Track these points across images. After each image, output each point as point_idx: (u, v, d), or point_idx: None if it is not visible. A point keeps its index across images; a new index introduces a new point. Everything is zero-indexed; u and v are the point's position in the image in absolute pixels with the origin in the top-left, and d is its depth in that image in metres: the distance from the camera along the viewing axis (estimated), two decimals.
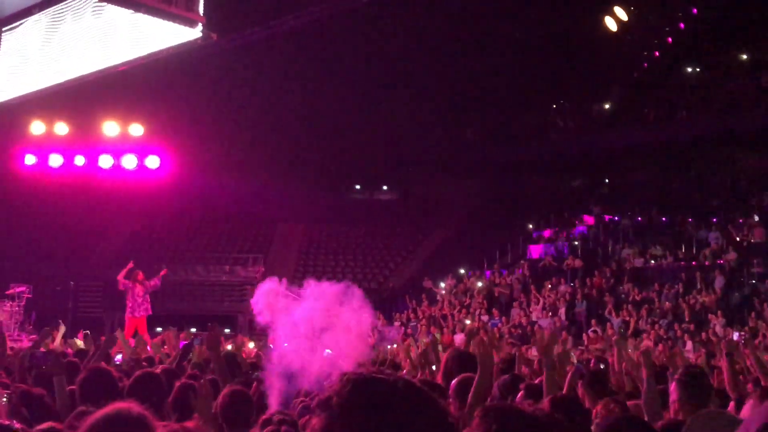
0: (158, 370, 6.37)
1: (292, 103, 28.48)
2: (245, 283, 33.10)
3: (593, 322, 23.37)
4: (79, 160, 25.66)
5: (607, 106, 32.31)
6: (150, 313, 20.48)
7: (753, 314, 22.19)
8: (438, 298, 29.23)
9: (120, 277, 20.34)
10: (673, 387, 4.79)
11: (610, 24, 27.00)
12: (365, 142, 31.99)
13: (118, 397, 5.05)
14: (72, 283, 26.73)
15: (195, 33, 7.08)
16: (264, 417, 4.78)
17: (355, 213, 36.71)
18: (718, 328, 21.65)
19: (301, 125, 30.30)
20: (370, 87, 28.53)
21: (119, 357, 10.72)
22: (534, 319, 24.87)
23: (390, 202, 38.91)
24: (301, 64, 26.06)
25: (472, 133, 32.44)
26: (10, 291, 21.87)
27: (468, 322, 24.48)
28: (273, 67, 26.01)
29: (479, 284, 28.75)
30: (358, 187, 39.37)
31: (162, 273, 21.40)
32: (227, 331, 27.91)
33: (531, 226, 33.39)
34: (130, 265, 20.54)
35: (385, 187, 39.43)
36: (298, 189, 34.89)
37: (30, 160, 25.46)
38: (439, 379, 5.72)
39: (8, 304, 21.50)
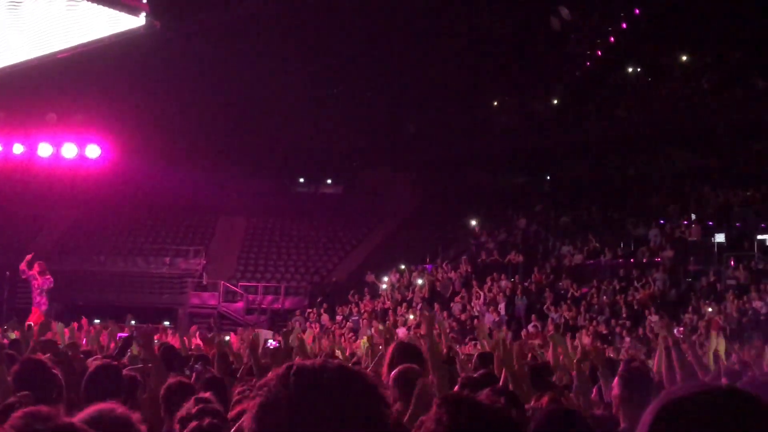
0: (97, 362, 6.27)
1: (236, 95, 28.25)
2: (186, 276, 32.85)
3: (533, 317, 23.69)
4: (18, 149, 25.10)
5: (549, 104, 32.71)
6: (44, 308, 19.63)
7: (690, 309, 22.71)
8: (380, 292, 29.34)
9: (22, 266, 19.72)
10: (615, 382, 4.88)
11: (554, 22, 27.35)
12: (310, 135, 31.91)
13: (55, 388, 5.03)
14: (7, 273, 26.17)
15: (138, 21, 7.00)
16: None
17: (299, 206, 36.63)
18: (654, 325, 22.13)
19: (245, 117, 30.08)
20: (315, 79, 28.47)
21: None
22: (475, 313, 25.11)
23: (334, 195, 38.91)
24: (245, 55, 25.86)
25: (414, 128, 32.57)
26: None
27: (411, 317, 24.62)
28: (217, 56, 25.79)
29: (420, 281, 28.91)
30: (302, 180, 39.27)
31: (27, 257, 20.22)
32: (167, 323, 27.64)
33: (473, 221, 33.68)
34: (29, 257, 19.89)
35: (329, 181, 39.41)
36: (241, 181, 34.68)
37: None
38: (384, 371, 5.78)
39: None
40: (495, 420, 2.11)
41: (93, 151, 25.21)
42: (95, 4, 6.93)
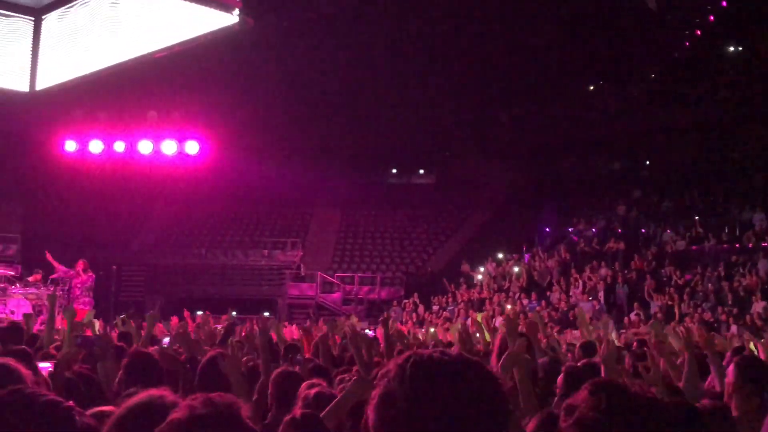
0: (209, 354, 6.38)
1: (329, 88, 28.44)
2: (284, 267, 33.39)
3: (635, 305, 23.16)
4: (119, 146, 25.87)
5: (646, 87, 31.80)
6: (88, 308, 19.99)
7: None
8: (476, 282, 29.15)
9: (58, 266, 20.20)
10: (729, 370, 4.72)
11: (651, 2, 26.54)
12: (401, 127, 31.90)
13: (161, 381, 5.14)
14: (114, 267, 27.04)
15: (232, 18, 7.05)
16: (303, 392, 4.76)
17: (392, 197, 36.72)
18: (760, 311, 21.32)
19: (337, 110, 30.27)
20: (406, 70, 28.40)
21: (166, 340, 10.80)
22: (573, 302, 24.69)
23: (427, 186, 38.83)
24: (337, 48, 26.00)
25: (507, 115, 32.14)
26: (54, 276, 22.18)
27: (509, 306, 24.37)
28: (310, 51, 25.98)
29: (516, 269, 28.59)
30: (394, 171, 39.33)
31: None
32: (267, 314, 28.14)
33: (571, 209, 33.08)
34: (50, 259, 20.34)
35: (421, 171, 39.35)
36: (334, 174, 34.97)
37: (71, 146, 25.72)
38: (493, 361, 5.72)
39: (53, 289, 21.80)
40: (649, 406, 2.08)
41: (192, 147, 25.80)
42: (190, 3, 7.01)
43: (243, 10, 7.11)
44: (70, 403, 2.08)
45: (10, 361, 3.19)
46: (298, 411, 4.13)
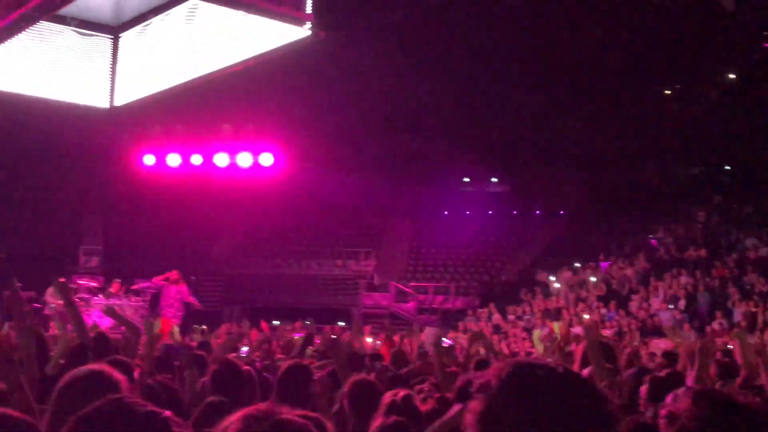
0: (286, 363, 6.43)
1: (401, 98, 28.48)
2: (357, 277, 33.56)
3: (718, 314, 22.55)
4: (196, 159, 26.34)
5: (724, 89, 30.96)
6: (179, 319, 20.35)
7: None
8: (552, 290, 28.77)
9: (157, 279, 20.67)
10: None
11: (727, 3, 25.87)
12: (473, 135, 31.74)
13: (247, 388, 5.24)
14: (193, 278, 27.57)
15: (304, 32, 7.11)
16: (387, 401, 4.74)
17: (464, 206, 36.56)
18: None
19: (409, 119, 30.29)
20: (476, 79, 28.26)
21: (245, 349, 10.96)
22: (653, 311, 24.16)
23: (500, 194, 38.55)
24: (408, 58, 26.02)
25: (581, 121, 31.61)
26: (135, 286, 22.71)
27: (586, 316, 23.97)
28: (381, 61, 26.07)
29: (593, 278, 28.11)
30: (466, 179, 39.14)
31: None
32: (342, 323, 28.27)
33: (649, 216, 32.41)
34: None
35: (494, 179, 39.08)
36: (407, 183, 34.98)
37: (149, 160, 26.29)
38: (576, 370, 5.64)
39: (133, 299, 22.32)
40: (752, 415, 2.02)
41: (266, 159, 26.10)
42: (262, 18, 7.10)
43: (314, 23, 7.17)
44: (168, 413, 2.10)
45: (105, 368, 3.24)
46: (389, 418, 4.11)
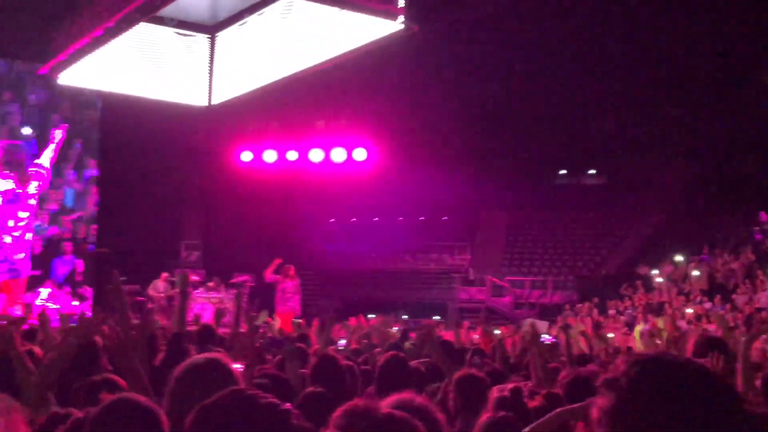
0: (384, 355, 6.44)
1: (494, 91, 28.21)
2: (452, 271, 33.46)
3: None
4: (292, 155, 26.73)
5: None
6: (298, 313, 20.69)
7: None
8: (654, 285, 28.03)
9: (267, 272, 20.97)
10: None
11: None
12: (569, 127, 31.19)
13: (346, 381, 5.32)
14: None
15: (396, 26, 7.09)
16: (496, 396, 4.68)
17: (560, 199, 35.98)
18: None
19: (503, 112, 29.99)
20: (571, 69, 27.76)
21: (342, 342, 11.03)
22: (760, 305, 23.29)
23: (597, 186, 37.80)
24: (501, 51, 25.74)
25: (680, 111, 30.61)
26: (234, 280, 23.18)
27: (689, 310, 23.29)
28: (474, 55, 25.88)
29: (696, 272, 27.25)
30: (562, 172, 38.52)
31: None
32: (437, 318, 28.24)
33: (754, 207, 31.23)
34: (278, 260, 21.12)
35: (591, 171, 38.33)
36: (501, 176, 34.62)
37: (246, 156, 26.82)
38: None
39: (233, 293, 22.78)
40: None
41: (360, 154, 26.27)
42: (355, 13, 7.10)
43: (407, 16, 7.13)
44: (288, 405, 2.12)
45: (222, 357, 3.29)
46: (498, 413, 4.07)
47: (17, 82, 21.71)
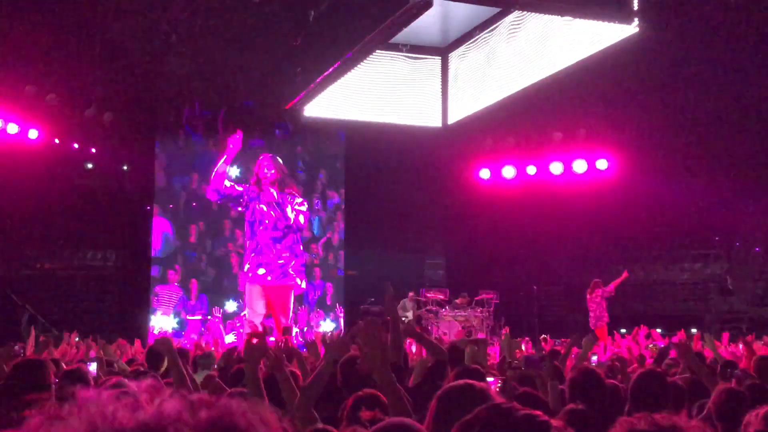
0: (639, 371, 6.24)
1: (739, 94, 26.38)
2: (708, 281, 31.63)
3: None
4: (531, 170, 26.61)
5: None
6: (604, 321, 21.03)
7: None
8: None
9: (614, 284, 21.67)
10: None
11: None
12: None
13: (604, 397, 5.27)
14: (534, 287, 27.82)
15: (631, 29, 6.85)
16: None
17: None
18: None
19: (749, 115, 27.95)
20: None
21: (595, 358, 10.79)
22: None
23: None
24: (747, 54, 23.95)
25: None
26: (479, 297, 23.36)
27: None
28: (716, 59, 24.29)
29: None
30: None
31: (623, 277, 21.86)
32: (694, 330, 26.84)
33: None
34: (626, 274, 21.85)
35: None
36: (758, 180, 32.33)
37: (485, 174, 27.02)
38: None
39: (479, 310, 22.94)
40: None
41: (601, 164, 25.67)
42: (587, 21, 6.95)
43: (642, 19, 6.86)
44: (545, 416, 2.15)
45: (472, 382, 3.39)
46: None
47: (262, 120, 23.44)
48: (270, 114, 22.58)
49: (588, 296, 22.71)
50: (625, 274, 22.78)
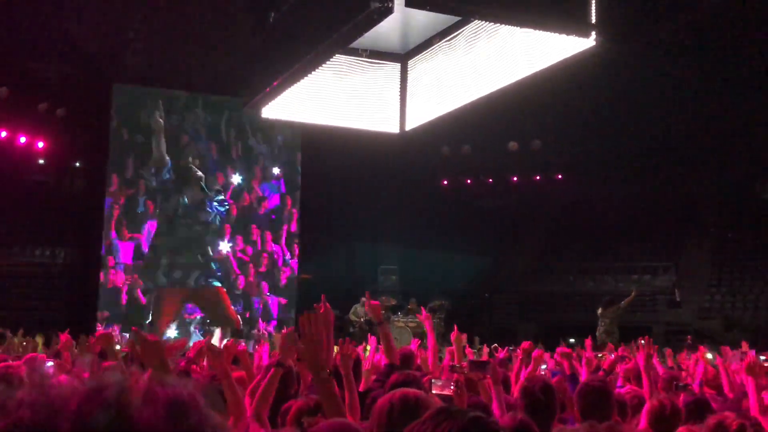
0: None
1: (700, 116, 26.60)
2: (656, 293, 32.02)
3: None
4: (486, 178, 26.84)
5: None
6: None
7: None
8: None
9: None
10: None
11: None
12: None
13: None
14: (486, 295, 28.02)
15: (588, 42, 6.94)
16: None
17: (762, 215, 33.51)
18: None
19: (707, 128, 28.42)
20: None
21: (543, 367, 10.84)
22: None
23: None
24: (693, 72, 24.06)
25: None
26: (432, 304, 23.46)
27: None
28: (659, 73, 24.43)
29: None
30: None
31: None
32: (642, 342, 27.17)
33: None
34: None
35: None
36: (708, 192, 32.95)
37: (442, 180, 27.20)
38: None
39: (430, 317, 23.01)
40: None
41: (553, 176, 25.98)
42: (544, 33, 7.02)
43: (599, 32, 6.96)
44: (494, 419, 2.15)
45: (407, 390, 3.40)
46: None
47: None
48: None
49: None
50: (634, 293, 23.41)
